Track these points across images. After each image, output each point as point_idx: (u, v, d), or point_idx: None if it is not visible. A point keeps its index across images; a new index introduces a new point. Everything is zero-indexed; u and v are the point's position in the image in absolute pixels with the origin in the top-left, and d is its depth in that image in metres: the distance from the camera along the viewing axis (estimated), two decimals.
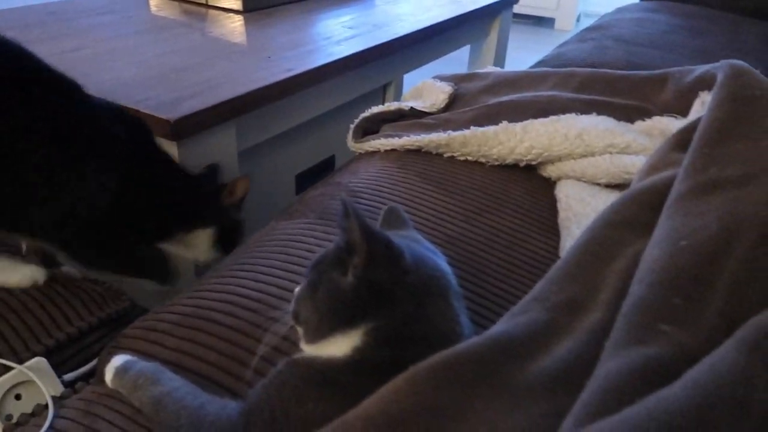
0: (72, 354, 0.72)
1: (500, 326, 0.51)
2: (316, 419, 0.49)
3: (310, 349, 0.55)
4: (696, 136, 0.69)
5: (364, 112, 1.13)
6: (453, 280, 0.57)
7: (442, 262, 0.58)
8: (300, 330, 0.55)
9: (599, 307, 0.54)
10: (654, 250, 0.58)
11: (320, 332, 0.53)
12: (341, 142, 1.45)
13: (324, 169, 1.50)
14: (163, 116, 0.95)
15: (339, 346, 0.52)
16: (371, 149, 1.05)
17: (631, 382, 0.44)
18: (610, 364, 0.46)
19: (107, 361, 0.68)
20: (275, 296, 0.70)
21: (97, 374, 0.69)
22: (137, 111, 0.97)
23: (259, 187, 1.28)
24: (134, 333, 0.71)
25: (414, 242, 0.59)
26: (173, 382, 0.59)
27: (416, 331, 0.52)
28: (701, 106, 0.82)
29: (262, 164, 1.29)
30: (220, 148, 1.07)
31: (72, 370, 0.70)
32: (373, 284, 0.51)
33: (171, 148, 0.99)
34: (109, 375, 0.62)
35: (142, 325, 0.72)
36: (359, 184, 0.91)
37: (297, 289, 0.57)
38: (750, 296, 0.53)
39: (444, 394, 0.43)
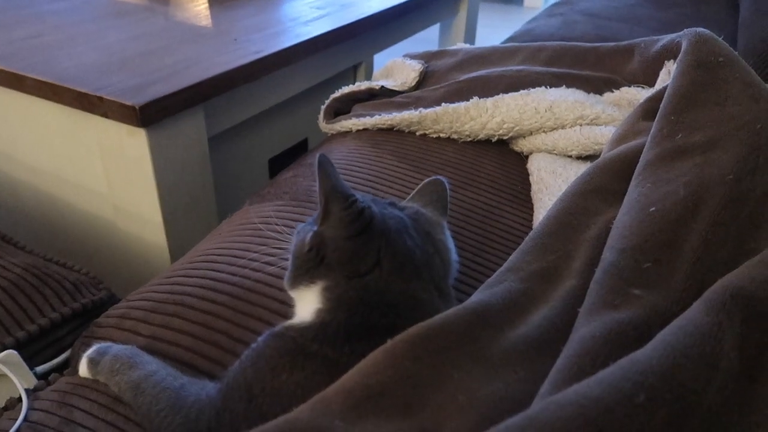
0: (45, 346, 0.71)
1: (476, 296, 0.51)
2: (290, 390, 0.49)
3: (289, 292, 0.57)
4: (662, 104, 0.70)
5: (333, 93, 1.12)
6: (436, 261, 0.57)
7: (427, 241, 0.58)
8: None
9: (573, 275, 0.54)
10: (624, 217, 0.58)
11: (291, 276, 0.56)
12: (314, 125, 1.43)
13: (297, 152, 1.48)
14: (129, 102, 0.93)
15: (306, 307, 0.53)
16: (343, 129, 1.04)
17: (605, 345, 0.45)
18: (584, 330, 0.47)
19: (82, 352, 0.67)
20: (251, 279, 0.69)
21: (71, 365, 0.68)
22: (101, 98, 0.95)
23: (231, 172, 1.26)
24: (107, 322, 0.70)
25: (416, 218, 0.59)
26: (151, 366, 0.58)
27: (372, 297, 0.52)
28: (667, 75, 0.83)
29: (233, 150, 1.27)
30: (190, 134, 1.05)
31: (45, 362, 0.69)
32: (325, 241, 0.51)
33: (139, 135, 0.97)
34: (83, 364, 0.61)
35: (115, 314, 0.71)
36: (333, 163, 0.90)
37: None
38: (716, 257, 0.54)
39: (422, 365, 0.43)
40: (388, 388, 0.42)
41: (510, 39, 1.49)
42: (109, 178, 1.07)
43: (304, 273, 0.54)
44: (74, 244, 1.20)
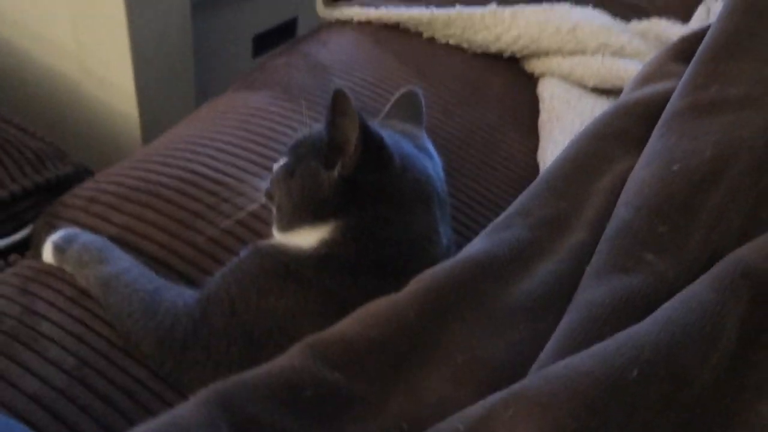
0: (3, 219, 0.65)
1: (482, 243, 0.48)
2: (278, 313, 0.47)
3: (279, 236, 0.53)
4: (701, 48, 0.64)
5: None
6: (440, 185, 0.54)
7: (432, 166, 0.55)
8: (273, 211, 0.54)
9: (582, 227, 0.52)
10: (644, 171, 0.55)
11: (292, 220, 0.52)
12: (305, 4, 1.32)
13: (285, 31, 1.37)
14: None
15: (306, 237, 0.50)
16: (343, 18, 0.95)
17: (613, 313, 0.43)
18: (593, 292, 0.45)
19: (45, 233, 0.62)
20: (234, 177, 0.64)
21: (32, 246, 0.63)
22: None
23: (212, 47, 1.16)
24: (73, 202, 0.65)
25: (410, 139, 0.55)
26: (123, 262, 0.54)
27: (387, 234, 0.50)
28: (706, 13, 0.77)
29: (216, 22, 1.16)
30: None
31: (2, 238, 0.64)
32: (356, 185, 0.48)
33: None
34: (48, 249, 0.56)
35: (83, 194, 0.65)
36: (329, 58, 0.83)
37: (275, 166, 0.55)
38: (731, 225, 0.52)
39: (425, 320, 0.41)
40: (388, 342, 0.40)
41: None
42: (76, 33, 0.96)
43: (312, 214, 0.50)
44: (33, 104, 1.10)
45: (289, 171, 0.52)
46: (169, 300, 0.51)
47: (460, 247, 0.52)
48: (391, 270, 0.48)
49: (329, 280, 0.47)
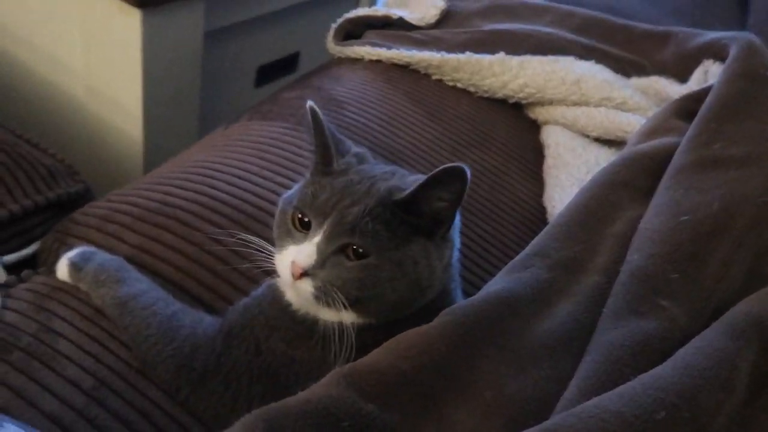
0: (12, 234, 0.65)
1: (504, 281, 0.50)
2: (304, 361, 0.47)
3: None
4: (704, 108, 0.68)
5: (333, 11, 1.04)
6: None
7: None
8: None
9: (597, 270, 0.54)
10: (654, 220, 0.57)
11: None
12: (307, 40, 1.35)
13: (288, 64, 1.40)
14: None
15: None
16: (354, 56, 0.97)
17: (633, 357, 0.45)
18: (612, 334, 0.47)
19: (56, 250, 0.61)
20: (251, 204, 0.65)
21: (43, 262, 0.62)
22: None
23: (218, 74, 1.18)
24: (86, 221, 0.64)
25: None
26: (141, 284, 0.54)
27: None
28: (703, 75, 0.81)
29: (225, 50, 1.18)
30: (187, 23, 0.96)
31: (10, 252, 0.63)
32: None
33: (134, 17, 0.87)
34: (63, 266, 0.56)
35: (96, 213, 0.65)
36: (343, 94, 0.85)
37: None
38: (735, 278, 0.55)
39: (455, 354, 0.42)
40: (420, 375, 0.40)
41: None
42: (87, 55, 0.97)
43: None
44: (36, 121, 1.10)
45: None
46: (188, 326, 0.50)
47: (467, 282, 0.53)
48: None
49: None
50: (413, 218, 0.46)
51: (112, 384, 0.48)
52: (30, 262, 0.64)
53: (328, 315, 0.46)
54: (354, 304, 0.44)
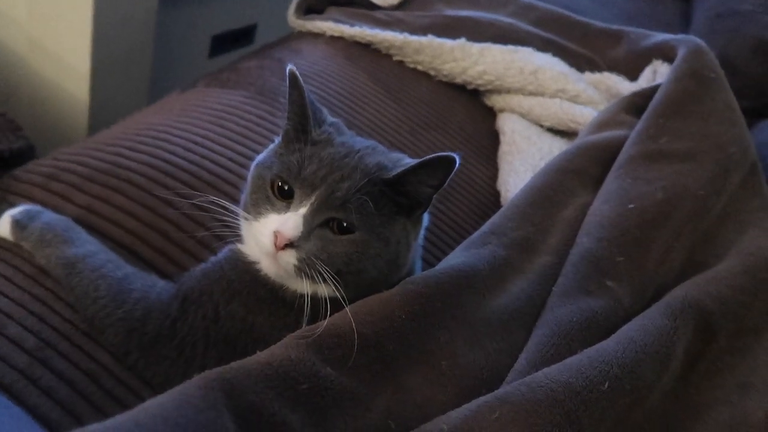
0: None
1: (462, 256, 0.51)
2: (264, 328, 0.47)
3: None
4: (652, 104, 0.72)
5: None
6: None
7: None
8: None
9: (549, 251, 0.56)
10: (603, 207, 0.60)
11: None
12: (265, 12, 1.32)
13: (243, 35, 1.36)
14: None
15: None
16: (315, 30, 0.96)
17: (579, 331, 0.48)
18: (561, 311, 0.49)
19: (1, 207, 0.58)
20: (208, 171, 0.63)
21: None
22: None
23: (172, 41, 1.14)
24: (29, 178, 0.61)
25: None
26: (89, 246, 0.52)
27: None
28: (652, 74, 0.85)
29: (179, 17, 1.14)
30: None
31: None
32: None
33: None
34: (5, 224, 0.53)
35: (40, 171, 0.62)
36: (304, 67, 0.84)
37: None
38: (672, 264, 0.58)
39: (415, 323, 0.43)
40: (380, 341, 0.41)
41: None
42: (31, 4, 0.92)
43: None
44: None
45: None
46: (139, 290, 0.49)
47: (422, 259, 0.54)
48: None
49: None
50: (398, 197, 0.46)
51: (57, 345, 0.46)
52: None
53: (301, 287, 0.45)
54: (334, 277, 0.44)
